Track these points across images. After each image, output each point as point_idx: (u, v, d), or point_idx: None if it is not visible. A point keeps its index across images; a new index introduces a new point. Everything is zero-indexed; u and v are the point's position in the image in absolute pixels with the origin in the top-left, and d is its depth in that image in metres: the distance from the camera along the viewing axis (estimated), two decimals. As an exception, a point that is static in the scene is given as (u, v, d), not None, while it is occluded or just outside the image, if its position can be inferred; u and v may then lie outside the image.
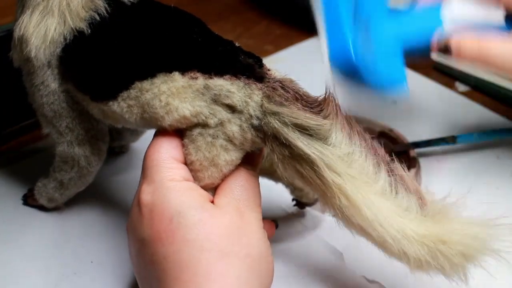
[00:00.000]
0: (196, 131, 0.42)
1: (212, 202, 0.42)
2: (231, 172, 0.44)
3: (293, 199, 0.55)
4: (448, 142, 0.64)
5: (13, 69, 0.49)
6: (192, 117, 0.42)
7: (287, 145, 0.41)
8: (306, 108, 0.41)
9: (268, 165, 0.51)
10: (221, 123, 0.42)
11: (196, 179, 0.43)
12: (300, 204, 0.55)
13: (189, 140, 0.43)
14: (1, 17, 0.71)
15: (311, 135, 0.41)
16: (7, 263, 0.50)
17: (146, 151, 0.44)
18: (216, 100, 0.41)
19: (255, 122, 0.41)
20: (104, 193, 0.55)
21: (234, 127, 0.42)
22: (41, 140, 0.62)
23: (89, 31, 0.45)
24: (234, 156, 0.43)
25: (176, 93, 0.42)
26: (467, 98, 0.75)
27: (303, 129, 0.41)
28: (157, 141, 0.43)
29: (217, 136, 0.42)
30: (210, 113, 0.42)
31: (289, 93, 0.42)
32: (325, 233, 0.53)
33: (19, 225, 0.54)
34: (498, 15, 0.55)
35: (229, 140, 0.42)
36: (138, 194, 0.42)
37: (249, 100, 0.41)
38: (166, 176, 0.42)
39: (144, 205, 0.41)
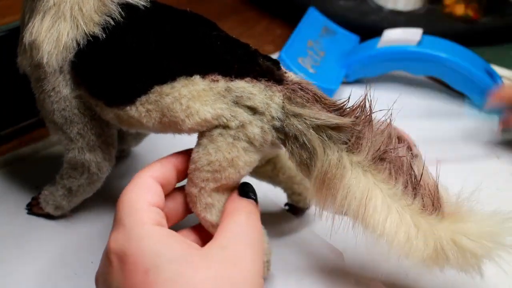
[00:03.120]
0: (217, 131, 0.42)
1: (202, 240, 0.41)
2: (232, 216, 0.42)
3: (286, 204, 0.55)
4: None
5: (13, 69, 0.49)
6: (213, 119, 0.42)
7: (307, 147, 0.42)
8: (325, 109, 0.42)
9: (270, 169, 0.51)
10: (242, 125, 0.42)
11: (212, 180, 0.43)
12: (295, 209, 0.55)
13: (208, 140, 0.42)
14: (1, 17, 0.71)
15: (331, 139, 0.42)
16: (7, 263, 0.50)
17: (121, 194, 0.41)
18: (237, 102, 0.42)
19: (277, 123, 0.42)
20: (105, 196, 0.55)
21: (255, 129, 0.42)
22: (41, 140, 0.62)
23: (103, 35, 0.44)
24: (253, 157, 0.43)
25: (197, 96, 0.42)
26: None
27: (325, 130, 0.41)
28: (131, 183, 0.42)
29: (238, 137, 0.42)
30: (232, 115, 0.42)
31: (309, 94, 0.42)
32: (324, 232, 0.52)
33: (19, 225, 0.54)
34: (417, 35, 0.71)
35: (250, 141, 0.42)
36: (107, 242, 0.39)
37: (270, 102, 0.42)
38: (137, 220, 0.39)
39: (113, 253, 0.38)
